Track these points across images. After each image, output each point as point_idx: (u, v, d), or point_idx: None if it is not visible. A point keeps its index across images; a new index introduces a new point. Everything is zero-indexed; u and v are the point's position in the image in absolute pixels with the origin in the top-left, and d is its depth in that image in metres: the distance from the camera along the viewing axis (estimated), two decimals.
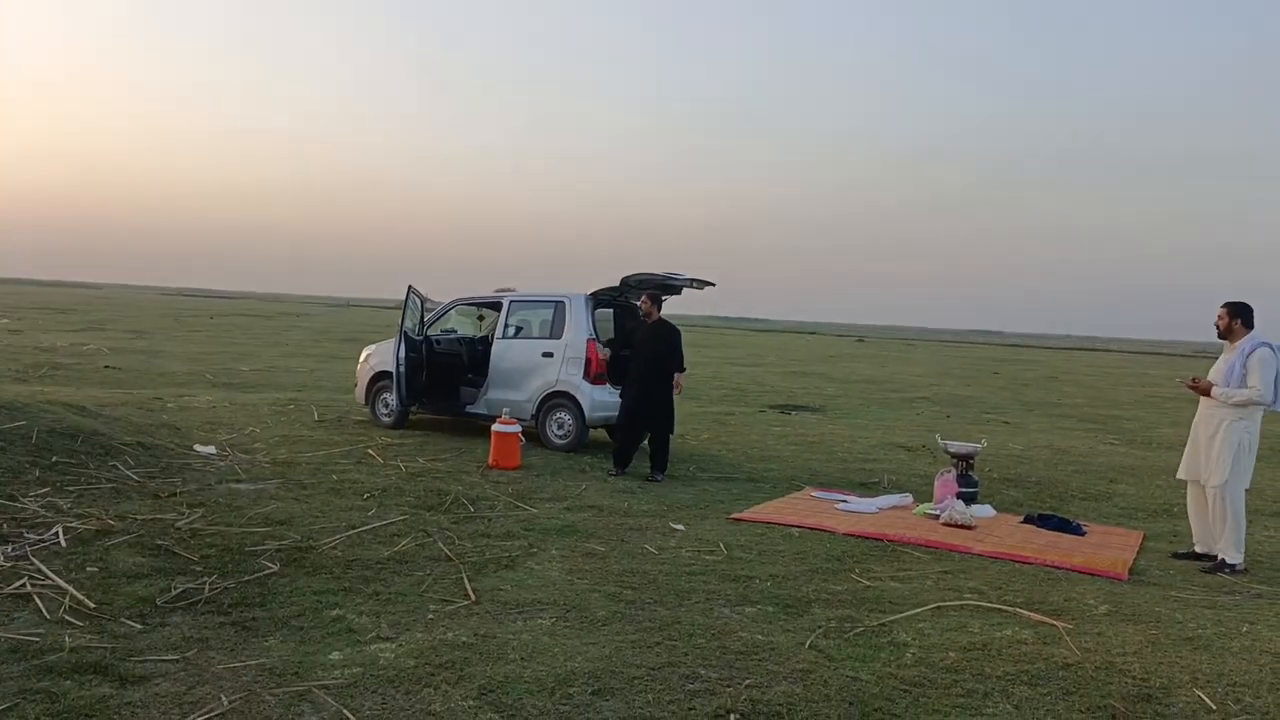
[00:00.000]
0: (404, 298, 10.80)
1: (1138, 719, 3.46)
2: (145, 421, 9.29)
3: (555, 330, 10.23)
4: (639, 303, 9.30)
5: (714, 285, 10.49)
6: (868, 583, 5.35)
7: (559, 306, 10.28)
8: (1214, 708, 3.55)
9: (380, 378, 11.00)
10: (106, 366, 17.58)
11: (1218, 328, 6.37)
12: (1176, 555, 6.55)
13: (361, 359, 11.61)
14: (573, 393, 9.86)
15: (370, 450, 9.03)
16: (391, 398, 10.75)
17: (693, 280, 10.16)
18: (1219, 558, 6.18)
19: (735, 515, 7.15)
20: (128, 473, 6.99)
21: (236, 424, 10.36)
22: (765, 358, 37.18)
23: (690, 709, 3.40)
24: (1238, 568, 6.08)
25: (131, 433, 8.16)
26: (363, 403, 11.30)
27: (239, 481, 7.25)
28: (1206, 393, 6.27)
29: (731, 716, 3.34)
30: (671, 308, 11.51)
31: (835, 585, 5.28)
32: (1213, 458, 6.20)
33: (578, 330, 10.04)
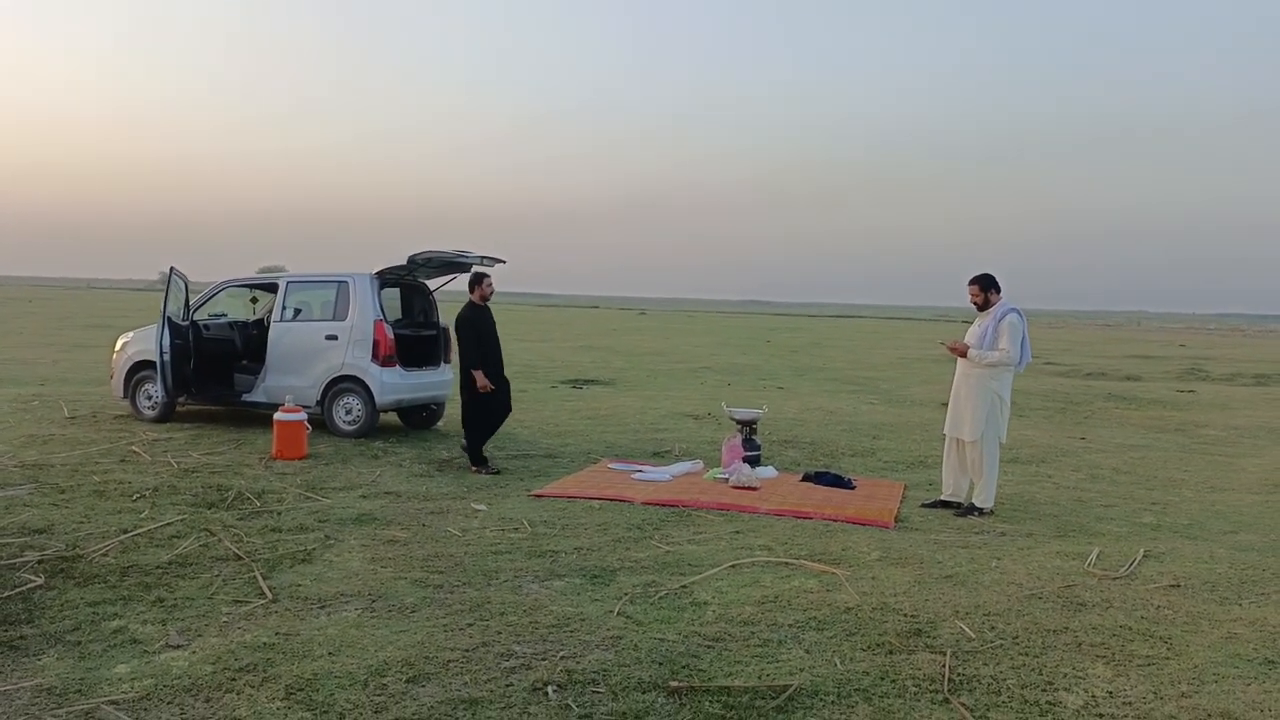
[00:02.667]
0: (166, 279, 9.99)
1: (910, 651, 3.88)
2: None
3: (339, 312, 9.83)
4: (482, 286, 8.43)
5: (504, 263, 10.47)
6: (668, 548, 5.60)
7: (342, 287, 9.88)
8: (973, 635, 4.05)
9: (141, 367, 10.14)
10: None
11: (975, 304, 7.05)
12: (925, 505, 7.25)
13: (117, 347, 10.64)
14: (361, 376, 9.53)
15: (134, 447, 8.33)
16: (155, 389, 9.94)
17: (483, 258, 10.07)
18: (971, 503, 6.95)
19: (536, 492, 7.23)
20: None
21: None
22: (551, 333, 37.42)
23: (508, 685, 3.45)
24: (986, 511, 6.86)
25: None
26: (121, 396, 10.36)
27: None
28: (964, 355, 6.97)
29: (549, 688, 3.42)
30: (455, 286, 11.40)
31: (638, 553, 5.49)
32: (969, 414, 6.93)
33: (364, 311, 9.69)
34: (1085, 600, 4.59)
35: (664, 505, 6.86)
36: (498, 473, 8.04)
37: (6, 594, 4.38)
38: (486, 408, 8.27)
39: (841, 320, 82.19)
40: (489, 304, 8.53)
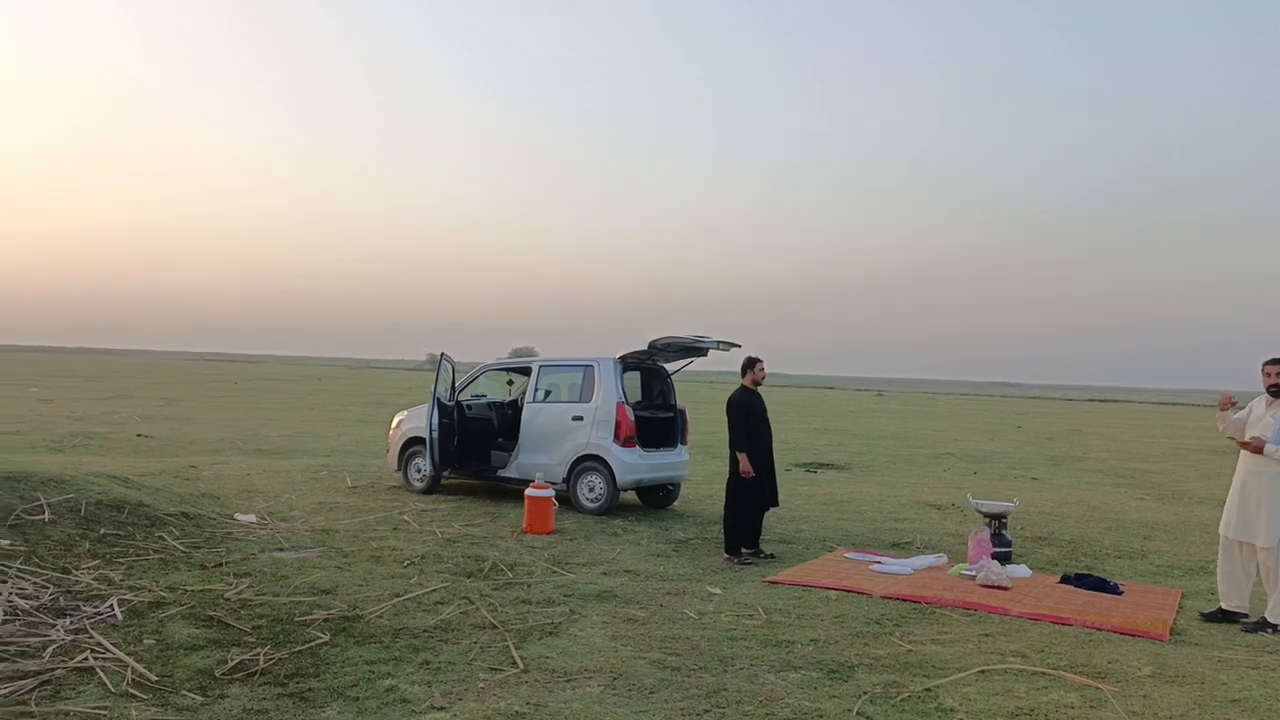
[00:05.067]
0: (437, 363, 11.05)
1: None
2: (185, 491, 9.46)
3: (585, 394, 10.39)
4: (754, 371, 8.34)
5: (739, 347, 10.66)
6: (909, 646, 5.38)
7: (588, 370, 10.46)
8: None
9: (412, 443, 11.17)
10: (139, 435, 17.84)
11: (1272, 387, 6.20)
12: (1205, 616, 6.46)
13: (393, 425, 11.79)
14: (603, 455, 9.97)
15: (405, 517, 9.15)
16: (424, 463, 10.90)
17: (719, 342, 10.34)
18: (1263, 618, 6.13)
19: (771, 578, 7.19)
20: (174, 543, 7.14)
21: (272, 491, 10.52)
22: (785, 414, 37.18)
23: None
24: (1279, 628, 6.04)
25: (174, 503, 8.32)
26: (395, 468, 11.45)
27: (281, 550, 7.37)
28: (1259, 451, 6.19)
29: None
30: (696, 369, 11.70)
31: (877, 649, 5.31)
32: (1264, 517, 6.12)
33: (607, 393, 10.19)
34: None
35: (905, 600, 6.59)
36: (753, 564, 7.81)
37: (298, 649, 4.94)
38: (749, 494, 8.06)
39: (1102, 405, 75.60)
40: (760, 389, 8.44)
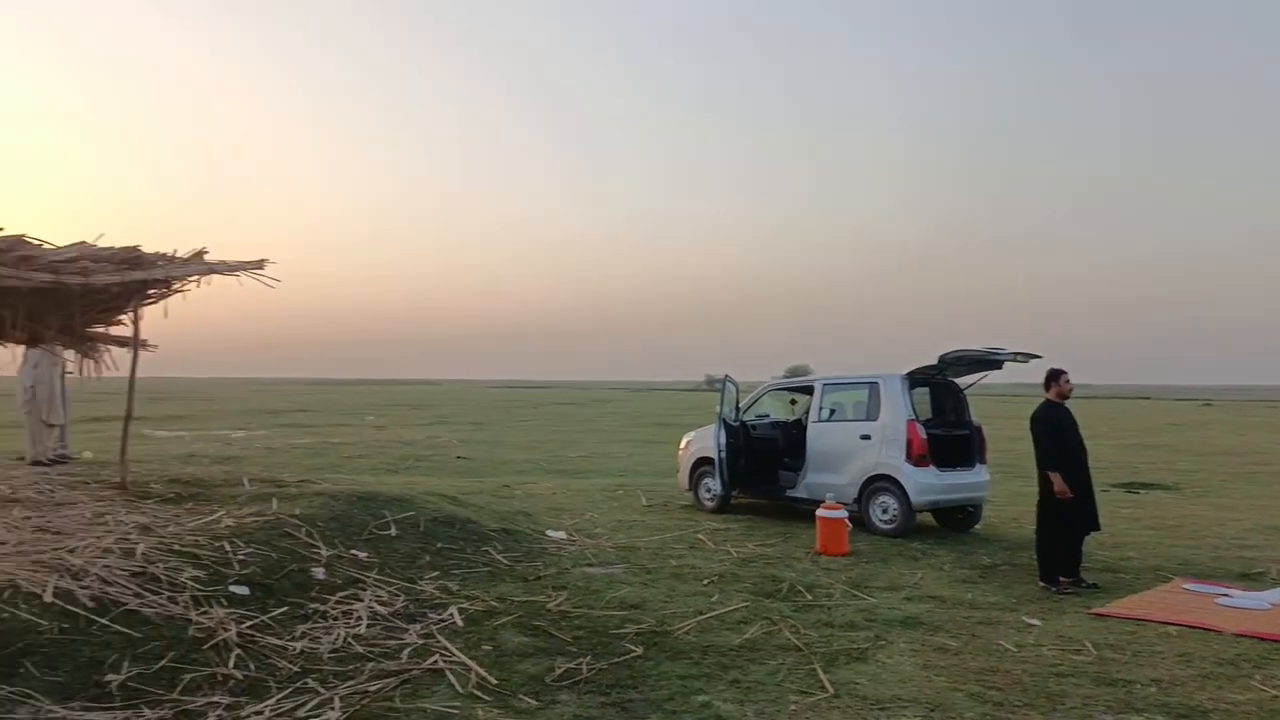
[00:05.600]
0: (721, 384, 11.29)
1: None
2: (504, 509, 10.33)
3: (871, 412, 10.15)
4: (1059, 383, 7.72)
5: (1040, 358, 9.93)
6: (1274, 692, 4.71)
7: (873, 387, 10.21)
8: None
9: (701, 463, 11.45)
10: (459, 457, 19.75)
11: None
12: None
13: (681, 445, 12.17)
14: (895, 475, 9.67)
15: (700, 535, 9.39)
16: (714, 483, 11.14)
17: (1015, 354, 9.70)
18: None
19: (1098, 610, 6.58)
20: (498, 557, 7.81)
21: (576, 509, 11.22)
22: (1098, 428, 33.98)
23: None
24: None
25: (496, 520, 9.11)
26: (685, 488, 11.79)
27: (590, 565, 7.84)
28: None
29: None
30: (990, 380, 11.06)
31: (1234, 693, 4.71)
32: None
33: (895, 411, 9.88)
34: None
35: (1264, 639, 5.78)
36: (1074, 594, 7.19)
37: (615, 660, 5.21)
38: (1064, 516, 7.47)
39: None
40: (1067, 402, 7.81)
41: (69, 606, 5.04)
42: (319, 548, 6.98)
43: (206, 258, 7.55)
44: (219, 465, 13.89)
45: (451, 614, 6.04)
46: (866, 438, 10.04)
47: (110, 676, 4.56)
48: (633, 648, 5.42)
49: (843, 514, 8.76)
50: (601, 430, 31.75)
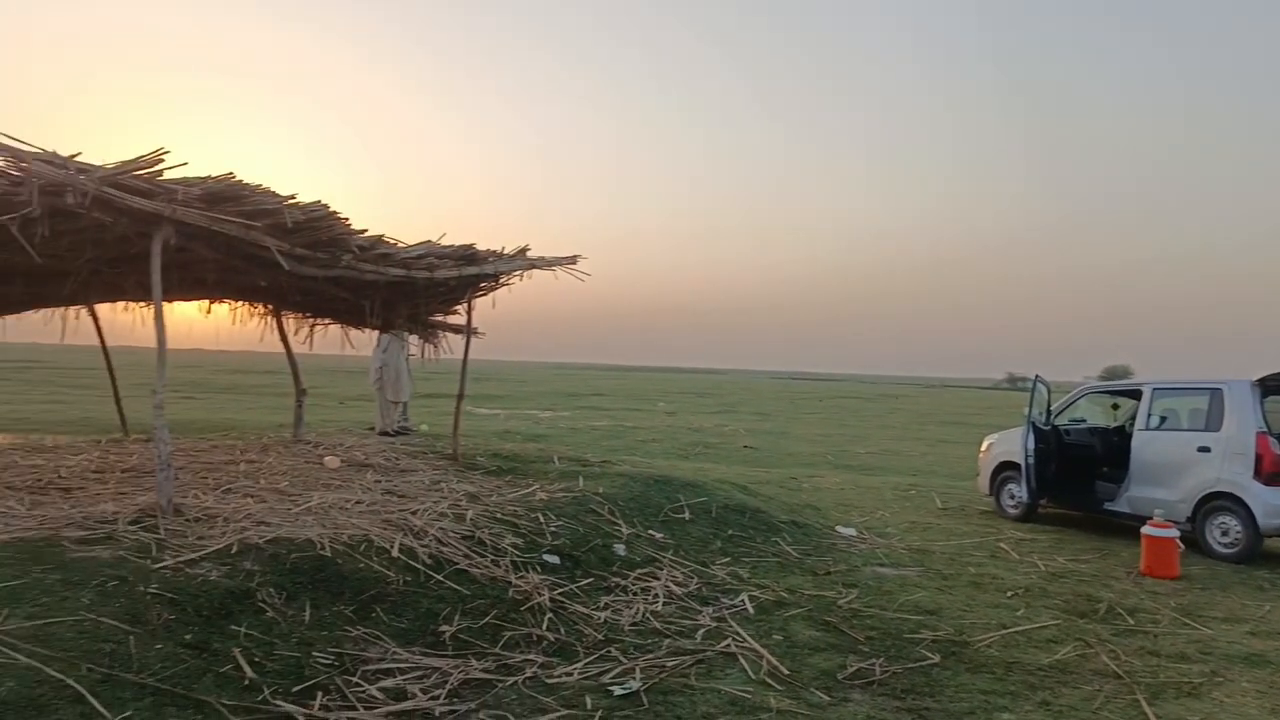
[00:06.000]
0: (1031, 386, 10.53)
1: None
2: (792, 501, 10.36)
3: (1212, 422, 9.00)
4: None
5: None
6: None
7: (1215, 394, 9.05)
8: None
9: (1005, 468, 10.77)
10: (745, 446, 20.03)
11: None
12: None
13: (983, 448, 11.50)
14: (1239, 494, 8.52)
15: (1001, 544, 8.84)
16: (1018, 489, 10.43)
17: None
18: None
19: None
20: (788, 548, 7.85)
21: (865, 506, 10.98)
22: None
23: None
24: None
25: (785, 511, 9.16)
26: (986, 492, 11.15)
27: (881, 565, 7.66)
28: None
29: None
30: None
31: None
32: None
33: (1242, 422, 8.70)
34: None
35: None
36: None
37: (910, 665, 5.06)
38: None
39: None
40: None
41: (411, 562, 5.72)
42: (619, 525, 7.40)
43: (528, 254, 8.25)
44: (531, 442, 15.12)
45: (743, 600, 6.16)
46: (1205, 450, 8.93)
47: (444, 627, 5.14)
48: (929, 655, 5.24)
49: (1173, 533, 7.86)
50: (891, 426, 30.75)
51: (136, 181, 5.14)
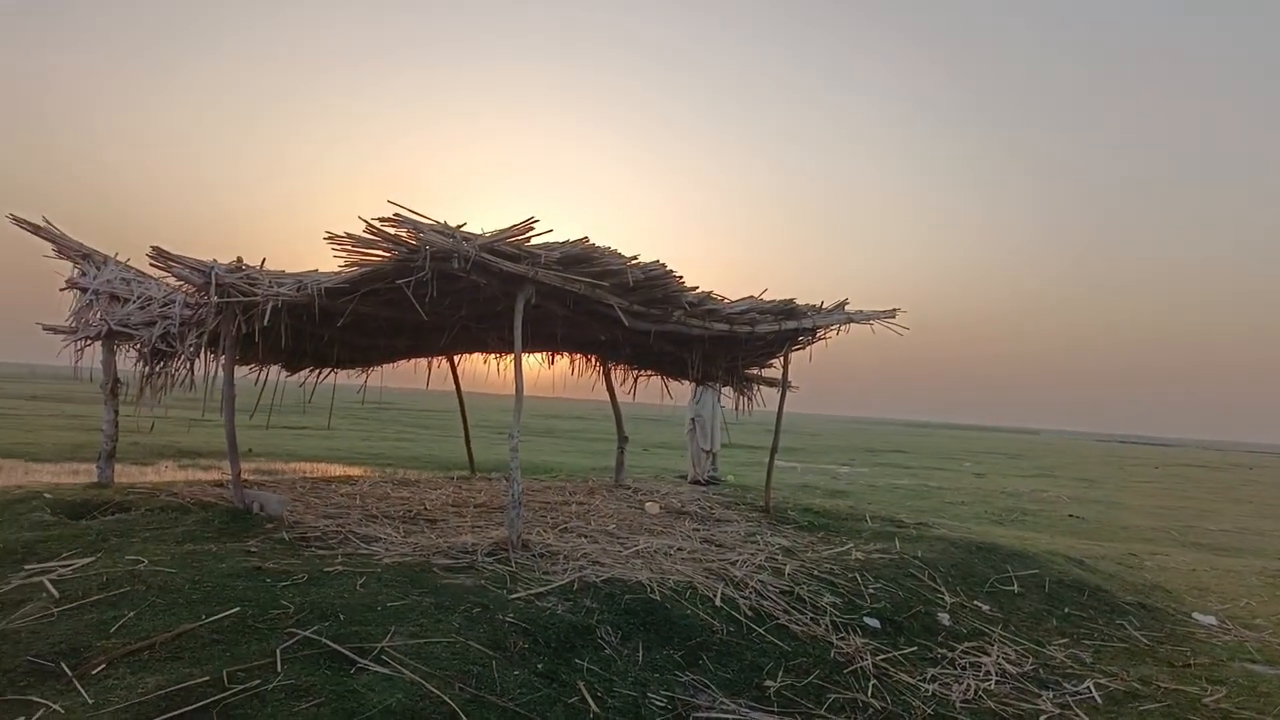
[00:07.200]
0: None
1: None
2: (1135, 580, 9.34)
3: None
4: None
5: None
6: None
7: None
8: None
9: None
10: (1070, 515, 18.36)
11: None
12: None
13: None
14: None
15: None
16: None
17: None
18: None
19: None
20: (1135, 633, 7.09)
21: (1225, 592, 9.63)
22: None
23: None
24: None
25: (1129, 591, 8.29)
26: None
27: (1254, 662, 6.68)
28: None
29: None
30: None
31: None
32: None
33: None
34: None
35: None
36: None
37: None
38: None
39: None
40: None
41: (733, 613, 5.85)
42: (942, 593, 7.08)
43: (847, 308, 8.24)
44: (832, 499, 14.91)
45: (1089, 688, 5.64)
46: None
47: (768, 682, 5.18)
48: None
49: None
50: (1248, 500, 26.76)
51: (508, 247, 5.82)
